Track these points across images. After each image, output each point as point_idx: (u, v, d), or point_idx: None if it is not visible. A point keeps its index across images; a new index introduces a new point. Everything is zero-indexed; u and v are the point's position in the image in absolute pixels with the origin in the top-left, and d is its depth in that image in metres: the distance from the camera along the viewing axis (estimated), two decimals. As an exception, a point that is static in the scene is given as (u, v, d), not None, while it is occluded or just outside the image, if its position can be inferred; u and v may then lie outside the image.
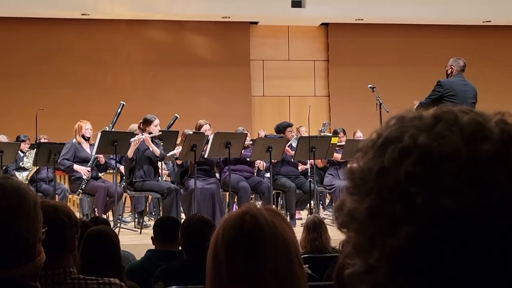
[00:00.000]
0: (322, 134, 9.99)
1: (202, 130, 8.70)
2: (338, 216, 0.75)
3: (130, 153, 8.17)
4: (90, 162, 8.41)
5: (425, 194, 0.68)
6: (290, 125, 9.47)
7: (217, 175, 8.88)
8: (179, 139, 9.15)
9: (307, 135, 9.35)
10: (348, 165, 0.76)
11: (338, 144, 9.31)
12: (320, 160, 9.34)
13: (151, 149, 8.26)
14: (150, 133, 8.33)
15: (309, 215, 7.97)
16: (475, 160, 0.68)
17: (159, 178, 8.80)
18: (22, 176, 9.00)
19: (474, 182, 0.67)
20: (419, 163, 0.68)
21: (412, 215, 0.68)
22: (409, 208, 0.68)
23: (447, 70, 7.95)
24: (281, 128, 9.34)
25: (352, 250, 0.73)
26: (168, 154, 8.63)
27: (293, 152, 8.88)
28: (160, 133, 8.49)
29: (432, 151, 0.69)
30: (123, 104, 9.02)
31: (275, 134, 9.57)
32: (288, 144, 9.04)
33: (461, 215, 0.67)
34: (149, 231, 6.81)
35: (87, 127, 8.61)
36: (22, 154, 9.31)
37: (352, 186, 0.73)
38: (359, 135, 10.59)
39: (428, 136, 0.70)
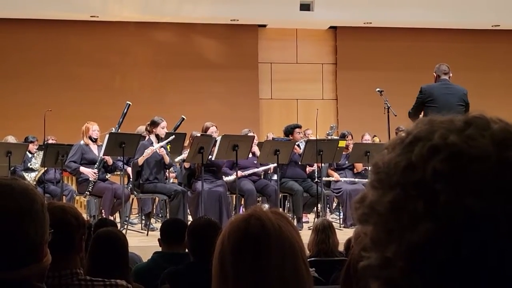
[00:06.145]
0: (330, 137, 9.99)
1: (208, 132, 8.71)
2: (359, 207, 0.75)
3: (140, 161, 8.18)
4: (97, 163, 8.42)
5: (449, 193, 0.68)
6: (299, 126, 9.48)
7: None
8: (186, 142, 9.17)
9: (315, 138, 9.35)
10: (374, 160, 0.77)
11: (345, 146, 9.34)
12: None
13: (163, 155, 8.27)
14: (156, 135, 8.35)
15: (316, 219, 7.97)
16: (503, 165, 0.68)
17: (166, 180, 8.82)
18: (30, 177, 9.03)
19: (501, 186, 0.68)
20: (447, 161, 0.69)
21: (434, 212, 0.68)
22: (431, 205, 0.68)
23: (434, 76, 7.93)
24: (290, 129, 9.36)
25: (369, 242, 0.73)
26: (176, 160, 8.63)
27: (301, 151, 8.88)
28: (173, 136, 8.54)
29: (462, 151, 0.69)
30: (129, 105, 9.03)
31: (283, 136, 9.58)
32: (296, 143, 9.05)
33: (483, 217, 0.67)
34: (156, 233, 6.82)
35: (94, 129, 8.64)
36: (30, 155, 9.34)
37: (376, 180, 0.74)
38: (367, 138, 10.58)
39: (458, 136, 0.70)
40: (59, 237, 1.76)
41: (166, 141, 8.40)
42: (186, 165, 8.53)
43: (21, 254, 1.52)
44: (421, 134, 0.72)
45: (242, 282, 1.43)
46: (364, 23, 13.58)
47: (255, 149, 8.97)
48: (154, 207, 9.44)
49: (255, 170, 8.90)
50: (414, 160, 0.71)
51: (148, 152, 8.11)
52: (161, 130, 8.38)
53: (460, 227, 0.67)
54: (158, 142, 8.38)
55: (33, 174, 9.14)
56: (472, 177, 0.68)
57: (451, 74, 7.63)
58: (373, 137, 10.94)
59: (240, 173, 8.55)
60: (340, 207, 9.81)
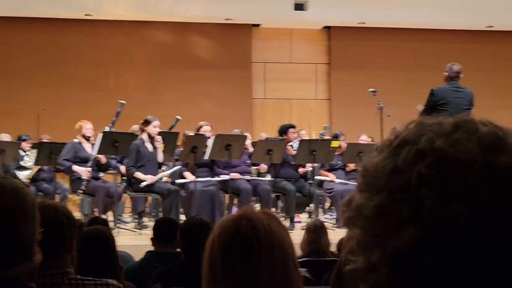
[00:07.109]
0: (324, 137, 9.99)
1: (201, 131, 8.71)
2: (346, 211, 0.75)
3: (137, 176, 8.16)
4: (90, 162, 8.40)
5: (434, 198, 0.67)
6: (293, 126, 9.48)
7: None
8: (179, 141, 9.16)
9: (308, 138, 9.35)
10: (363, 163, 0.76)
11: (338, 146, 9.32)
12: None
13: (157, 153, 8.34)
14: (148, 133, 8.33)
15: (308, 219, 7.97)
16: (489, 170, 0.67)
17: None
18: (23, 175, 9.00)
19: (486, 191, 0.67)
20: (432, 167, 0.68)
21: (419, 218, 0.67)
22: (417, 211, 0.68)
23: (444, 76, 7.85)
24: (284, 129, 9.37)
25: (355, 246, 0.73)
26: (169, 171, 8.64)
27: (294, 152, 8.87)
28: (178, 167, 8.59)
29: (447, 156, 0.68)
30: (123, 103, 9.01)
31: (277, 136, 9.58)
32: (289, 144, 9.04)
33: (469, 223, 0.66)
34: (149, 232, 6.80)
35: (87, 127, 8.62)
36: (23, 153, 9.31)
37: (363, 183, 0.73)
38: (363, 138, 10.57)
39: (445, 141, 0.69)
40: (50, 236, 1.76)
41: (170, 171, 8.49)
42: (188, 175, 8.52)
43: (11, 253, 1.51)
44: (409, 137, 0.72)
45: (231, 282, 1.43)
46: (358, 23, 13.60)
47: (248, 143, 8.96)
48: (147, 206, 9.43)
49: (255, 178, 8.91)
50: (400, 164, 0.70)
51: (147, 183, 8.08)
52: (153, 129, 8.36)
53: (445, 233, 0.67)
54: (150, 141, 8.37)
55: (25, 172, 9.11)
56: (457, 182, 0.67)
57: (462, 76, 7.58)
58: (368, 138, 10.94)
59: (235, 175, 8.55)
60: (333, 207, 9.81)
